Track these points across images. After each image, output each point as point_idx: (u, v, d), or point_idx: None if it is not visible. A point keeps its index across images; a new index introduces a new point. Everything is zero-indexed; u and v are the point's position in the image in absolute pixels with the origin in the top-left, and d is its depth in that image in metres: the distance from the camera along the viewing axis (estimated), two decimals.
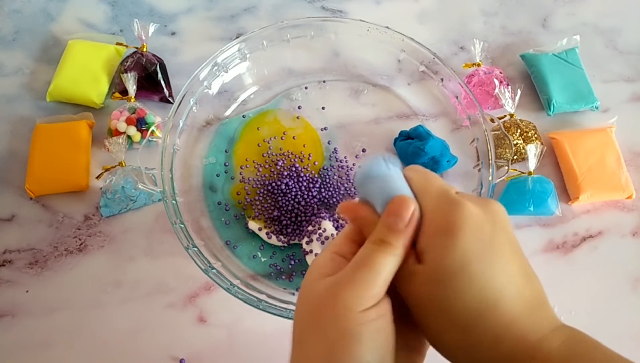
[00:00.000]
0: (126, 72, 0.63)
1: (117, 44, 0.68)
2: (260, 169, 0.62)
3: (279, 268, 0.57)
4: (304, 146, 0.64)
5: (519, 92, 0.64)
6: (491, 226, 0.28)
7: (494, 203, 0.30)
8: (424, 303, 0.29)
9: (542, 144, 0.63)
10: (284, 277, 0.57)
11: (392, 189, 0.30)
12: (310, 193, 0.59)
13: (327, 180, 0.61)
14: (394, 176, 0.30)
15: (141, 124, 0.62)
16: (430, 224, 0.29)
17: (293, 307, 0.51)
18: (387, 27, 0.64)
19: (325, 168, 0.63)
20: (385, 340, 0.28)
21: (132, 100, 0.63)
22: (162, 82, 0.65)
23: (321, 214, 0.56)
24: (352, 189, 0.61)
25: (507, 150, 0.62)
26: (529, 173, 0.60)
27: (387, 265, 0.28)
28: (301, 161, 0.63)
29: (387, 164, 0.31)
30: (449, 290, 0.27)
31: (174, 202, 0.55)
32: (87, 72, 0.65)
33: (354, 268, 0.28)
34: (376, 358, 0.27)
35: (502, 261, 0.28)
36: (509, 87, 0.66)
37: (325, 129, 0.65)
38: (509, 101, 0.64)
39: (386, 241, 0.28)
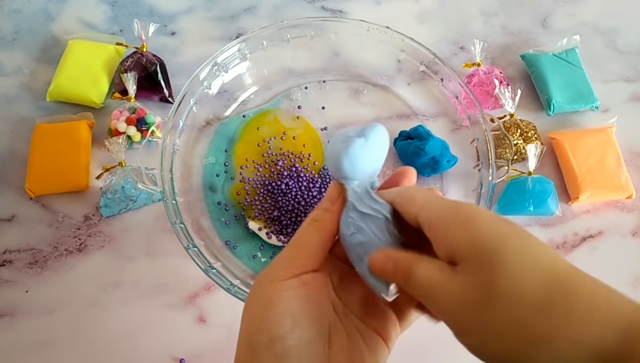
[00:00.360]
0: (126, 72, 0.63)
1: (117, 44, 0.68)
2: (260, 169, 0.62)
3: None
4: (304, 146, 0.64)
5: (519, 92, 0.64)
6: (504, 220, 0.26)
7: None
8: (482, 301, 0.24)
9: (542, 144, 0.63)
10: None
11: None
12: (310, 193, 0.59)
13: (328, 180, 0.61)
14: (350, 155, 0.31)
15: (141, 124, 0.62)
16: (442, 230, 0.27)
17: None
18: (387, 27, 0.64)
19: (326, 167, 0.62)
20: (307, 308, 0.28)
21: (132, 100, 0.63)
22: (162, 82, 0.65)
23: None
24: None
25: (507, 150, 0.62)
26: (529, 173, 0.60)
27: (312, 237, 0.30)
28: (301, 161, 0.63)
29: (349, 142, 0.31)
30: (504, 271, 0.24)
31: (174, 202, 0.55)
32: (87, 72, 0.65)
33: (286, 247, 0.31)
34: (296, 323, 0.27)
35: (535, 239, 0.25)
36: (509, 87, 0.66)
37: (325, 129, 0.65)
38: (509, 101, 0.64)
39: (314, 219, 0.31)
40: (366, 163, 0.32)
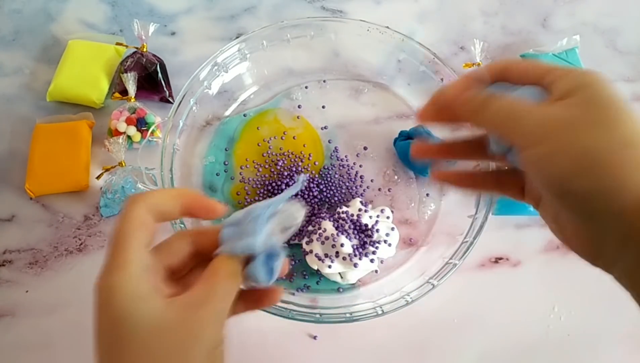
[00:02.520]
0: (126, 72, 0.63)
1: (117, 44, 0.68)
2: (260, 169, 0.62)
3: None
4: (304, 146, 0.64)
5: None
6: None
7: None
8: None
9: None
10: (284, 277, 0.57)
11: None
12: (311, 193, 0.59)
13: (328, 179, 0.61)
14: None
15: (141, 124, 0.62)
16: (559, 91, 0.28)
17: (293, 307, 0.51)
18: (387, 27, 0.64)
19: (326, 167, 0.62)
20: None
21: (132, 100, 0.63)
22: (162, 82, 0.65)
23: (321, 215, 0.56)
24: (354, 188, 0.61)
25: None
26: None
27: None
28: (301, 161, 0.63)
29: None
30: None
31: None
32: (87, 72, 0.65)
33: None
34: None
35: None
36: None
37: (325, 128, 0.65)
38: None
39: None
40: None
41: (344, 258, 0.53)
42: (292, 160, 0.63)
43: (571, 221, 0.28)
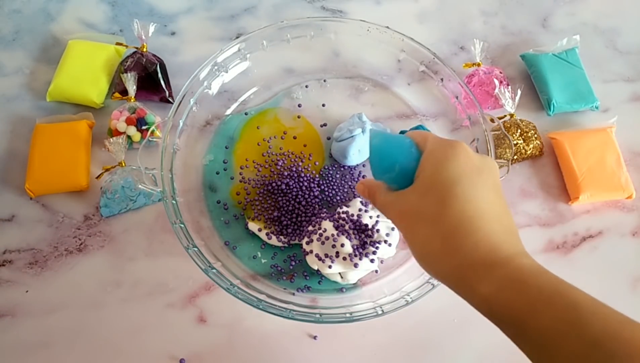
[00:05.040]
0: (126, 72, 0.63)
1: (117, 44, 0.68)
2: (260, 169, 0.62)
3: (279, 268, 0.57)
4: (304, 146, 0.64)
5: (519, 92, 0.64)
6: (480, 164, 0.36)
7: (489, 158, 0.39)
8: (414, 217, 0.36)
9: (541, 143, 0.63)
10: (284, 278, 0.57)
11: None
12: (311, 193, 0.59)
13: (329, 179, 0.61)
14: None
15: (141, 124, 0.62)
16: (427, 158, 0.37)
17: (293, 307, 0.51)
18: (387, 27, 0.64)
19: (327, 167, 0.62)
20: None
21: (132, 100, 0.63)
22: (162, 82, 0.65)
23: (321, 215, 0.56)
24: (354, 188, 0.61)
25: (507, 150, 0.62)
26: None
27: None
28: (302, 161, 0.63)
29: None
30: (437, 201, 0.35)
31: (174, 202, 0.55)
32: (87, 72, 0.65)
33: None
34: None
35: (485, 190, 0.35)
36: (509, 87, 0.66)
37: (324, 125, 0.65)
38: (509, 101, 0.64)
39: None
40: None
41: (344, 258, 0.53)
42: (292, 160, 0.63)
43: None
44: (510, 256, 0.33)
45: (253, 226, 0.58)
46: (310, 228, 0.56)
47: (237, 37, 0.64)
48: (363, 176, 0.62)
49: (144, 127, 0.62)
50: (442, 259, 0.34)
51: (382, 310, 0.50)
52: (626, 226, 0.62)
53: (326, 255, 0.53)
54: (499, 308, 0.32)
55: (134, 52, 0.66)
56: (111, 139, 0.59)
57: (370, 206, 0.57)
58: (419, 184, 0.37)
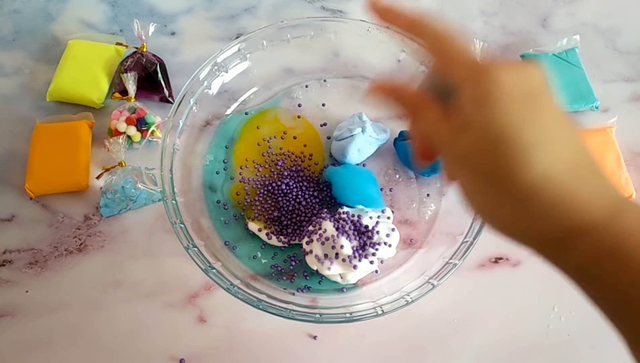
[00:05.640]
0: (126, 72, 0.63)
1: (117, 44, 0.68)
2: (260, 169, 0.62)
3: (279, 268, 0.57)
4: (304, 146, 0.64)
5: None
6: (527, 92, 0.27)
7: (530, 67, 0.28)
8: (471, 168, 0.29)
9: None
10: (284, 278, 0.57)
11: None
12: (311, 193, 0.59)
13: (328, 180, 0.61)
14: None
15: (141, 124, 0.62)
16: (463, 97, 0.29)
17: (293, 307, 0.51)
18: (387, 27, 0.64)
19: (327, 166, 0.62)
20: None
21: (132, 100, 0.63)
22: (162, 82, 0.65)
23: (322, 215, 0.56)
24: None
25: None
26: None
27: None
28: (302, 161, 0.63)
29: None
30: (497, 156, 0.27)
31: (174, 202, 0.55)
32: (87, 72, 0.65)
33: None
34: None
35: (545, 131, 0.27)
36: None
37: (324, 124, 0.65)
38: None
39: None
40: None
41: (343, 260, 0.53)
42: (292, 160, 0.63)
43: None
44: (607, 217, 0.27)
45: (253, 226, 0.58)
46: (310, 228, 0.56)
47: (237, 37, 0.64)
48: None
49: (144, 128, 0.62)
50: (517, 224, 0.28)
51: (382, 310, 0.50)
52: None
53: (326, 256, 0.53)
54: (597, 283, 0.27)
55: (134, 52, 0.66)
56: (111, 139, 0.59)
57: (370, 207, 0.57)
58: (469, 123, 0.28)
